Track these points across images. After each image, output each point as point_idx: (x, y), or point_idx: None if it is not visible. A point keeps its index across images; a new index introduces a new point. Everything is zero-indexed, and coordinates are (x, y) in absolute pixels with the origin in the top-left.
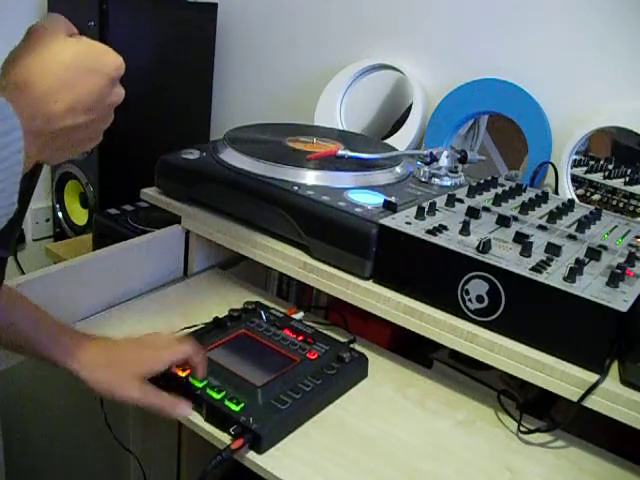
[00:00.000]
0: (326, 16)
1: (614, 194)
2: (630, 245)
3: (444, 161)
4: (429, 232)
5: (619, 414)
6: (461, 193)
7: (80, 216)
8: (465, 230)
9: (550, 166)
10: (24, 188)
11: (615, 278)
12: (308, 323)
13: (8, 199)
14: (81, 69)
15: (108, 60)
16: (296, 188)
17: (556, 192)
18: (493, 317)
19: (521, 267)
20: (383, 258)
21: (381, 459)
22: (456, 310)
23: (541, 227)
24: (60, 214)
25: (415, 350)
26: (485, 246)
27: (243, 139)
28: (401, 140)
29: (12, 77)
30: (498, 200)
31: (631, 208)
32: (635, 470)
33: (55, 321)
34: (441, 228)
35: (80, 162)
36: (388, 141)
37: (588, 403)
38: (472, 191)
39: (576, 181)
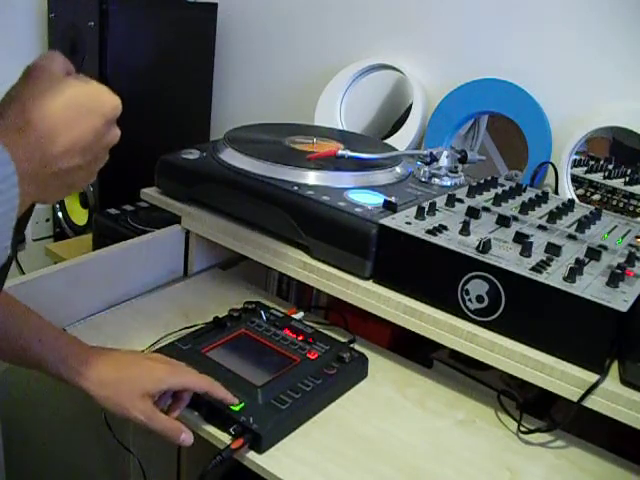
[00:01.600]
0: (326, 16)
1: (614, 194)
2: (630, 245)
3: (444, 161)
4: (429, 232)
5: (619, 414)
6: (461, 193)
7: (80, 216)
8: (465, 230)
9: (550, 166)
10: (16, 230)
11: (615, 278)
12: (308, 323)
13: (2, 244)
14: (79, 110)
15: (105, 100)
16: (296, 188)
17: (556, 192)
18: (493, 317)
19: (521, 267)
20: (383, 258)
21: (381, 459)
22: (456, 310)
23: (541, 227)
24: (60, 214)
25: (415, 350)
26: (485, 246)
27: (243, 139)
28: (401, 140)
29: (10, 119)
30: (498, 200)
31: (631, 208)
32: (635, 470)
33: (59, 332)
34: (441, 228)
35: None
36: (388, 141)
37: (588, 403)
38: (472, 191)
39: (576, 181)
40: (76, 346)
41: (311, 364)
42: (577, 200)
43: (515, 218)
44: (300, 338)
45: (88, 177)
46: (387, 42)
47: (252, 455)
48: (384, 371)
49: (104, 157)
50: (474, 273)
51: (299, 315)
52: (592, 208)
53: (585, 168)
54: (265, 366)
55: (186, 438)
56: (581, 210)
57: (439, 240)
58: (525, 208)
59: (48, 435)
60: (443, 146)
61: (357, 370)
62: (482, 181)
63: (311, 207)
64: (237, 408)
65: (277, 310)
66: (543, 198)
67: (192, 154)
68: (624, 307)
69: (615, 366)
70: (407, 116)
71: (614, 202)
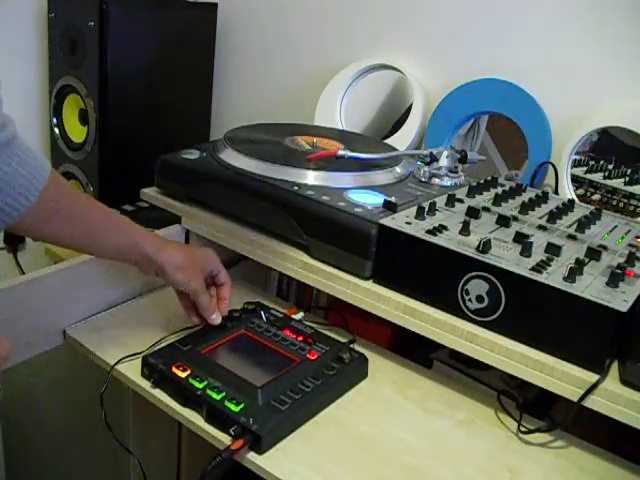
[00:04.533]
0: (326, 16)
1: (614, 194)
2: (630, 245)
3: (444, 161)
4: (429, 232)
5: (619, 414)
6: (461, 193)
7: None
8: (465, 230)
9: (550, 166)
10: None
11: (615, 278)
12: (308, 323)
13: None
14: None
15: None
16: (296, 188)
17: (556, 192)
18: (493, 317)
19: (521, 267)
20: (383, 258)
21: (381, 459)
22: (456, 310)
23: (541, 227)
24: None
25: (415, 350)
26: (485, 246)
27: (243, 139)
28: (401, 140)
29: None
30: (498, 200)
31: (631, 208)
32: (635, 470)
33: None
34: (441, 228)
35: (80, 162)
36: (388, 141)
37: (588, 403)
38: (472, 191)
39: (576, 181)
40: (152, 233)
41: (311, 365)
42: (577, 200)
43: (515, 218)
44: (300, 338)
45: None
46: (387, 42)
47: (252, 456)
48: (384, 371)
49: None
50: (474, 273)
51: (299, 315)
52: (592, 208)
53: (585, 168)
54: (265, 367)
55: (215, 318)
56: (581, 210)
57: (439, 240)
58: (525, 208)
59: (48, 435)
60: (443, 146)
61: (357, 370)
62: (482, 181)
63: (311, 207)
64: (237, 409)
65: (277, 310)
66: (543, 198)
67: (192, 154)
68: (624, 307)
69: (615, 366)
70: (407, 116)
71: (614, 202)
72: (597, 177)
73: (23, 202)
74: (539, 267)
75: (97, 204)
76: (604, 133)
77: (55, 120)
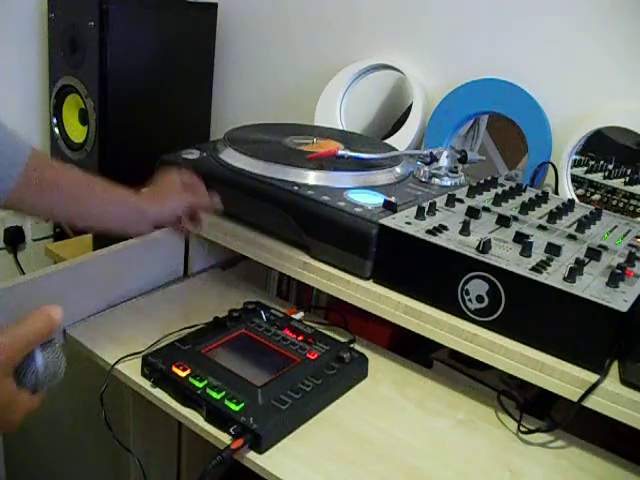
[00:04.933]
0: (326, 16)
1: (614, 194)
2: (630, 245)
3: (444, 161)
4: (429, 232)
5: (619, 414)
6: (461, 193)
7: None
8: (465, 230)
9: (550, 166)
10: None
11: (615, 278)
12: (308, 323)
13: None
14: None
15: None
16: (296, 188)
17: (556, 192)
18: (493, 317)
19: (521, 267)
20: (383, 258)
21: (381, 459)
22: (456, 310)
23: (541, 227)
24: None
25: (415, 350)
26: (485, 246)
27: (243, 139)
28: (401, 140)
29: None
30: (498, 200)
31: (631, 208)
32: (635, 470)
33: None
34: (441, 228)
35: (80, 162)
36: (388, 141)
37: (588, 403)
38: (472, 191)
39: (576, 181)
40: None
41: (311, 364)
42: (577, 200)
43: (515, 218)
44: (300, 338)
45: None
46: (387, 42)
47: (252, 455)
48: (384, 371)
49: None
50: (474, 273)
51: (299, 315)
52: (592, 208)
53: (585, 168)
54: (265, 366)
55: (218, 202)
56: (581, 210)
57: (439, 240)
58: (525, 208)
59: (48, 435)
60: (443, 146)
61: (357, 370)
62: (482, 181)
63: (311, 207)
64: (237, 408)
65: (277, 310)
66: (543, 198)
67: (192, 154)
68: (624, 307)
69: (615, 366)
70: (407, 116)
71: (614, 202)
72: (597, 177)
73: (12, 174)
74: (539, 267)
75: (79, 171)
76: (604, 133)
77: (55, 120)
